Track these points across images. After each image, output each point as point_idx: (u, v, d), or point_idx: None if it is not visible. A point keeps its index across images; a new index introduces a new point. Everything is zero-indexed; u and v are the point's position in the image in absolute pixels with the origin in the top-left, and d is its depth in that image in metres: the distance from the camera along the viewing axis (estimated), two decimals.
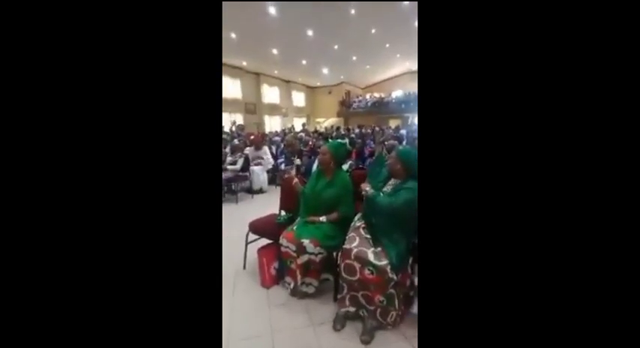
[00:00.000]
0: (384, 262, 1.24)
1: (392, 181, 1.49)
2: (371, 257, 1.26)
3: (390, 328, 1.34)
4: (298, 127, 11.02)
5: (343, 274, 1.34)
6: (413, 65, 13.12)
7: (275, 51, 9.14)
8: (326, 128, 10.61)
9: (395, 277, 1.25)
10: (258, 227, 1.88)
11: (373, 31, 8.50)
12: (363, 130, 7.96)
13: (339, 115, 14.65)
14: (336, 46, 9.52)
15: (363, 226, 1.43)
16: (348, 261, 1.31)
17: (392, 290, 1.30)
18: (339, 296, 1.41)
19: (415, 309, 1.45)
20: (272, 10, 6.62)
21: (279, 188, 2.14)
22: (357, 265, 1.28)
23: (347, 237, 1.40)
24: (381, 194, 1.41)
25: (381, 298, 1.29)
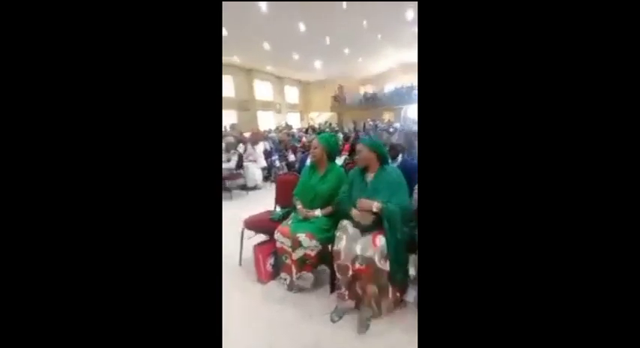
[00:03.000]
0: (371, 252, 1.27)
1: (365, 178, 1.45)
2: (358, 250, 1.28)
3: (384, 317, 1.36)
4: (292, 123, 10.98)
5: (338, 274, 1.36)
6: (405, 57, 13.07)
7: (267, 46, 9.01)
8: (319, 125, 10.58)
9: (386, 267, 1.27)
10: (253, 224, 1.88)
11: (364, 23, 8.42)
12: (356, 126, 7.95)
13: (332, 109, 14.61)
14: (327, 40, 9.42)
15: (349, 222, 1.44)
16: (339, 262, 1.33)
17: (384, 279, 1.32)
18: (337, 292, 1.42)
19: (410, 297, 1.47)
20: (263, 5, 6.51)
21: (274, 185, 2.14)
22: (348, 263, 1.31)
23: (335, 237, 1.41)
24: (388, 205, 1.33)
25: (374, 288, 1.31)
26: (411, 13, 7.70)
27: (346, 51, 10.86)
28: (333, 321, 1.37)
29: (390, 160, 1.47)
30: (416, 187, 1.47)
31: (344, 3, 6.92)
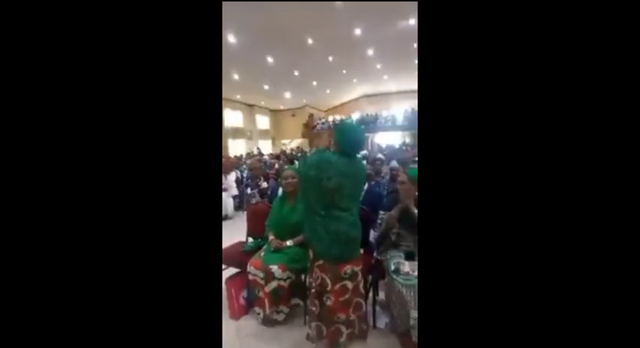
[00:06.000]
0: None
1: None
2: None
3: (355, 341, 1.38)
4: (264, 149, 11.04)
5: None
6: (368, 89, 14.18)
7: (236, 76, 9.24)
8: (292, 149, 10.76)
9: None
10: (225, 257, 1.85)
11: (330, 58, 9.09)
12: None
13: (303, 136, 14.99)
14: (296, 73, 9.94)
15: None
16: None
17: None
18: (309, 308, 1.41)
19: (381, 323, 1.52)
20: (231, 38, 6.78)
21: (245, 214, 2.14)
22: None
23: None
24: None
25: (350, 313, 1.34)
26: (371, 51, 8.51)
27: (314, 83, 11.50)
28: (307, 338, 1.38)
29: None
30: (381, 213, 1.59)
31: (309, 39, 7.46)
